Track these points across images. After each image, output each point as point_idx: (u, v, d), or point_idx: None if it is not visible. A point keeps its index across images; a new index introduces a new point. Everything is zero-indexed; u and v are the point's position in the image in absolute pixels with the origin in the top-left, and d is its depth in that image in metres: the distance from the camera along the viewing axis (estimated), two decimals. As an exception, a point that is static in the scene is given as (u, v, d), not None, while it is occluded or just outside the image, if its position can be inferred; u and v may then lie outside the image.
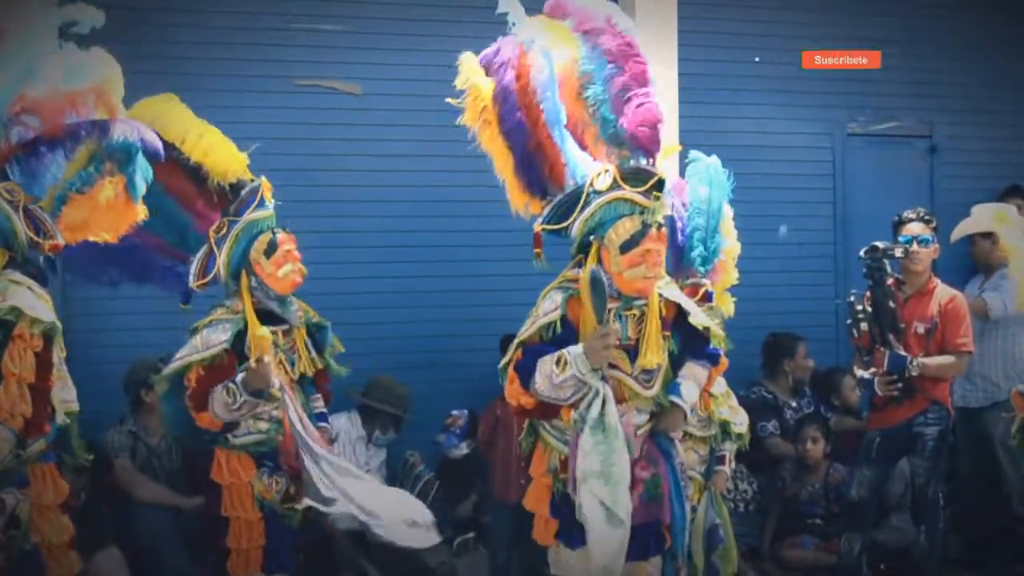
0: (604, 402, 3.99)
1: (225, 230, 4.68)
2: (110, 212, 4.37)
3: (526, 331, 4.15)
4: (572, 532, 4.14)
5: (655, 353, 4.16)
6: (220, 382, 4.49)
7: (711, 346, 4.34)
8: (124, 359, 5.99)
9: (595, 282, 4.01)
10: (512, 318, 6.63)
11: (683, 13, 6.78)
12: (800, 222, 7.67)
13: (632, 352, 4.15)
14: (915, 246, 5.79)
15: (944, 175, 8.00)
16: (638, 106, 4.01)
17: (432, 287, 6.93)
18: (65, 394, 4.38)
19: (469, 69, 4.28)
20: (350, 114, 6.86)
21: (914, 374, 5.65)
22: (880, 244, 5.70)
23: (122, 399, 5.93)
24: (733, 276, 5.23)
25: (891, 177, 7.84)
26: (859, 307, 5.71)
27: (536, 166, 4.28)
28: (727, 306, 5.19)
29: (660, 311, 4.19)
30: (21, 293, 4.11)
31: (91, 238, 4.37)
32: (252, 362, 4.48)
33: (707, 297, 4.98)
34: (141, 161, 4.33)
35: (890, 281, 5.71)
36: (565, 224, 4.14)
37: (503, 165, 4.34)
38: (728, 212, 5.16)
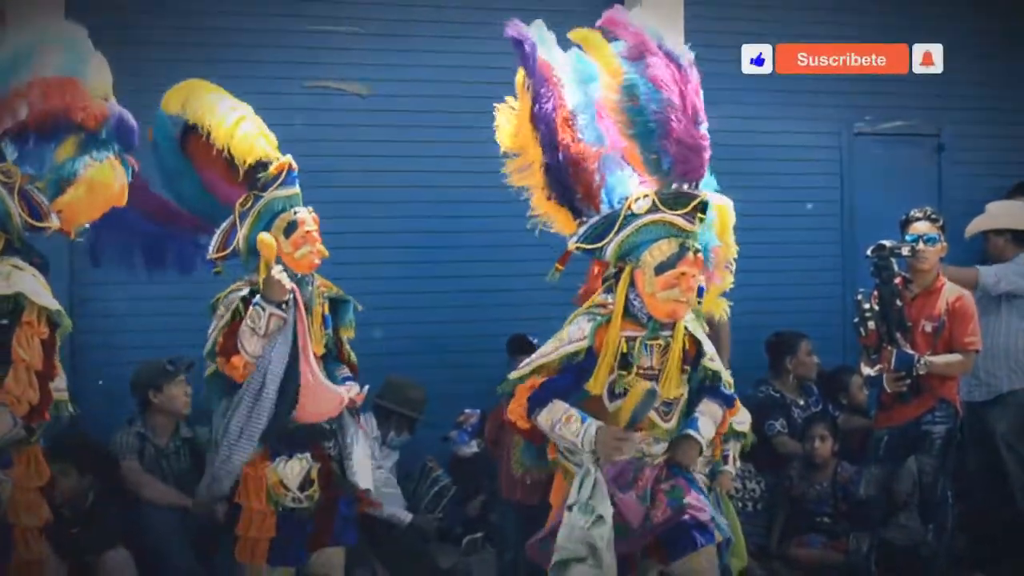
0: (595, 486, 4.01)
1: (249, 205, 4.69)
2: (103, 194, 4.39)
3: (548, 356, 4.16)
4: None
5: (675, 385, 4.20)
6: None
7: (723, 389, 4.38)
8: (132, 361, 6.00)
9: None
10: (520, 318, 6.72)
11: (689, 12, 6.79)
12: (807, 221, 7.67)
13: (653, 381, 4.15)
14: (921, 245, 5.79)
15: (952, 174, 7.99)
16: (683, 133, 3.99)
17: (440, 287, 6.95)
18: (58, 383, 4.36)
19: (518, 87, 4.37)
20: (358, 115, 6.88)
21: (921, 372, 5.65)
22: (887, 243, 5.70)
23: (130, 400, 5.94)
24: (728, 280, 5.17)
25: (898, 176, 7.84)
26: (866, 306, 5.72)
27: (570, 186, 4.30)
28: (718, 309, 5.12)
29: (684, 344, 4.21)
30: (24, 279, 4.13)
31: (86, 223, 4.41)
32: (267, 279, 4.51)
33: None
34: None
35: (897, 280, 5.72)
36: (599, 245, 4.16)
37: (537, 185, 4.42)
38: (723, 214, 5.13)
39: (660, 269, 4.06)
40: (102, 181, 4.35)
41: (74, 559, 5.28)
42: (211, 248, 4.75)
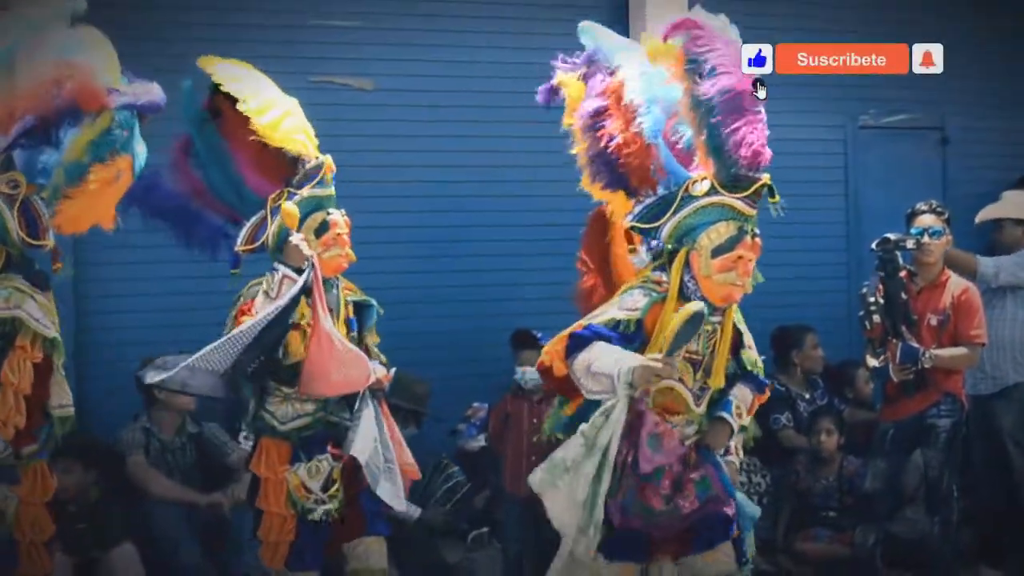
0: (607, 420, 3.86)
1: (283, 200, 4.63)
2: (110, 197, 4.33)
3: (598, 316, 4.07)
4: (615, 546, 4.08)
5: (721, 374, 4.17)
6: None
7: (758, 375, 4.34)
8: (138, 357, 6.00)
9: (695, 317, 3.87)
10: (525, 313, 6.72)
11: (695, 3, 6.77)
12: (812, 215, 7.65)
13: (696, 366, 4.12)
14: (927, 238, 5.78)
15: (956, 167, 7.98)
16: (747, 131, 3.94)
17: (444, 282, 6.95)
18: (61, 399, 4.34)
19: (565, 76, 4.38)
20: (363, 110, 6.88)
21: (927, 366, 5.64)
22: (892, 236, 5.69)
23: (135, 396, 5.95)
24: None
25: (903, 169, 7.83)
26: (871, 299, 5.71)
27: (620, 174, 4.28)
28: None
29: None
30: (25, 303, 4.11)
31: (88, 226, 4.34)
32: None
33: None
34: (138, 133, 4.29)
35: (903, 273, 5.71)
36: (656, 225, 4.11)
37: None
38: None
39: (717, 252, 4.00)
40: (105, 187, 4.27)
41: (80, 555, 5.30)
42: (239, 240, 4.71)
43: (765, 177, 4.04)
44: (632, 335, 4.01)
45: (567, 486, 3.86)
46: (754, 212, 4.05)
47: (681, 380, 4.08)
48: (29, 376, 4.10)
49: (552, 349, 4.11)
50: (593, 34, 4.54)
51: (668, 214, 4.08)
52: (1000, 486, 6.45)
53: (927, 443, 5.80)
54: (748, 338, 4.32)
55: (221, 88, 4.72)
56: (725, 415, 4.22)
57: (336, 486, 4.64)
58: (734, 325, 4.22)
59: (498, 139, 7.14)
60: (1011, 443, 6.36)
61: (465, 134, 7.05)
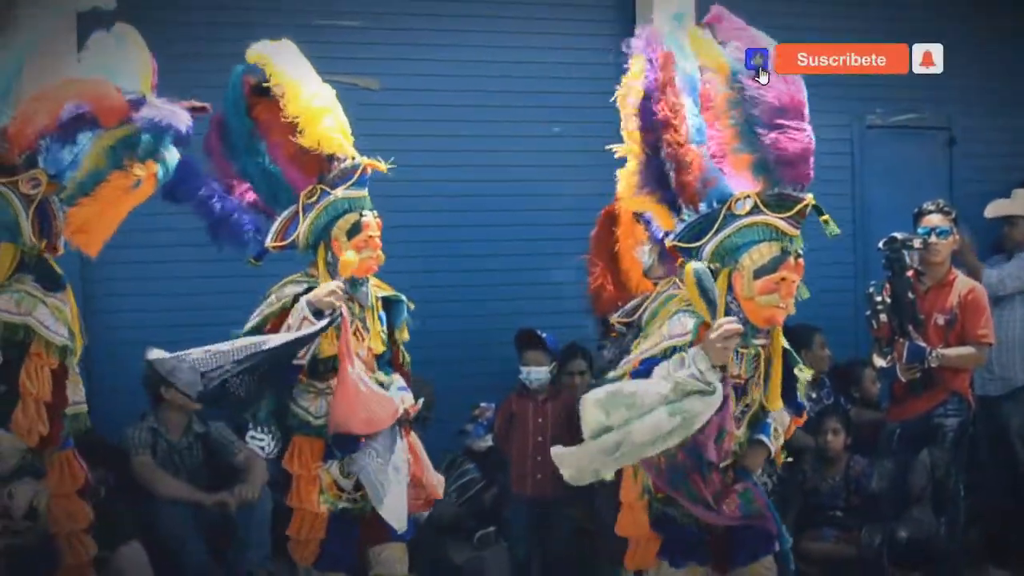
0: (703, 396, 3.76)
1: (315, 198, 4.60)
2: (123, 206, 4.31)
3: (649, 351, 3.97)
4: (677, 549, 4.06)
5: (776, 398, 4.08)
6: None
7: (798, 397, 4.26)
8: (144, 356, 6.00)
9: (701, 277, 3.85)
10: (529, 312, 6.71)
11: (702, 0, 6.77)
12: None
13: (739, 390, 4.02)
14: (934, 237, 5.78)
15: (963, 166, 7.97)
16: (791, 136, 3.87)
17: (449, 282, 6.95)
18: (75, 395, 4.35)
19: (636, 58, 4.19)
20: (369, 109, 6.88)
21: (933, 365, 5.64)
22: (899, 235, 5.69)
23: (142, 396, 5.95)
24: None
25: (910, 169, 7.82)
26: (878, 298, 5.71)
27: (669, 185, 4.14)
28: None
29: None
30: (36, 309, 4.10)
31: (98, 241, 4.33)
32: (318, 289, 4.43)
33: None
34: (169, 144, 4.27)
35: (910, 273, 5.70)
36: (697, 244, 4.00)
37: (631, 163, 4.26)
38: None
39: (759, 273, 3.89)
40: (120, 195, 4.26)
41: (88, 553, 5.31)
42: (270, 236, 4.65)
43: (809, 197, 3.95)
44: None
45: (616, 420, 3.73)
46: (797, 232, 3.96)
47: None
48: (48, 383, 4.09)
49: None
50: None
51: (710, 233, 3.97)
52: (1008, 486, 6.45)
53: (934, 443, 5.79)
54: (796, 358, 4.25)
55: (269, 79, 4.65)
56: (763, 438, 4.17)
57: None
58: (783, 346, 4.13)
59: (504, 139, 7.14)
60: (1020, 444, 6.38)
61: (471, 134, 7.05)
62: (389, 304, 4.84)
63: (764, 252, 3.91)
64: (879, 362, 5.89)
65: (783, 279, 3.90)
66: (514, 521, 6.22)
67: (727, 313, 3.93)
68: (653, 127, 4.06)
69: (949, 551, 5.90)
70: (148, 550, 5.48)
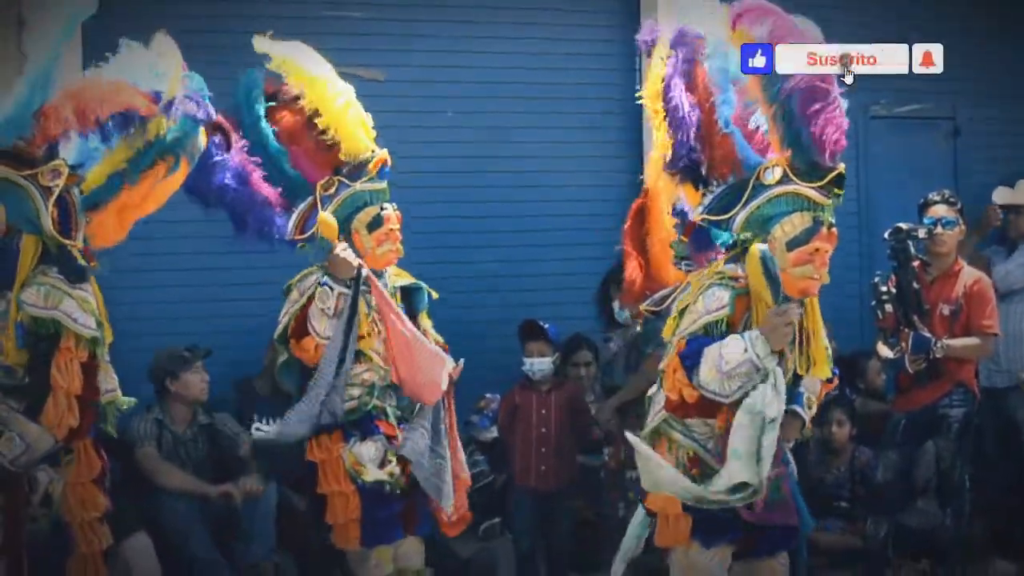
0: (775, 385, 3.78)
1: (334, 190, 4.60)
2: (129, 217, 4.39)
3: (689, 328, 3.94)
4: (710, 529, 4.02)
5: (824, 363, 4.05)
6: None
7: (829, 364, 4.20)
8: (151, 348, 6.01)
9: (766, 258, 3.81)
10: (533, 303, 6.71)
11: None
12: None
13: (779, 361, 3.93)
14: (939, 228, 5.77)
15: (967, 157, 7.95)
16: (826, 121, 3.81)
17: (453, 273, 6.93)
18: (107, 383, 4.37)
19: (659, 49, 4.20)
20: (374, 101, 6.87)
21: (938, 356, 5.63)
22: (904, 225, 5.68)
23: (147, 387, 5.95)
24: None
25: (914, 159, 7.80)
26: (883, 289, 5.69)
27: (698, 161, 4.13)
28: None
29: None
30: (63, 302, 4.11)
31: (112, 244, 4.40)
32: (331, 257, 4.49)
33: None
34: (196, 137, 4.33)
35: (915, 263, 5.69)
36: (726, 217, 3.95)
37: (661, 145, 4.22)
38: None
39: (792, 244, 3.83)
40: (143, 199, 4.34)
41: (95, 545, 5.31)
42: (289, 229, 4.67)
43: (841, 167, 3.89)
44: (724, 334, 3.90)
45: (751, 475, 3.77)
46: (830, 202, 3.88)
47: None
48: (78, 376, 4.11)
49: (672, 383, 3.96)
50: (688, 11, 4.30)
51: (740, 204, 3.92)
52: (1014, 479, 6.44)
53: (939, 434, 5.79)
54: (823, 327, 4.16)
55: (287, 78, 4.68)
56: (797, 408, 4.13)
57: (393, 465, 4.62)
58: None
59: (510, 130, 7.13)
60: (1026, 435, 6.36)
61: (476, 125, 7.04)
62: (408, 293, 4.83)
63: (796, 223, 3.85)
64: (885, 353, 5.89)
65: (816, 250, 3.83)
66: (518, 513, 6.22)
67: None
68: (680, 110, 4.05)
69: (954, 542, 5.90)
70: (154, 541, 5.48)
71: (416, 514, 4.80)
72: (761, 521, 4.02)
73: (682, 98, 4.09)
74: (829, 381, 4.28)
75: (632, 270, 4.80)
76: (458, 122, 7.05)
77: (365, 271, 4.57)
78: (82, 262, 4.22)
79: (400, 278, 4.83)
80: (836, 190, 3.87)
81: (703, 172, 4.17)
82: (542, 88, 7.19)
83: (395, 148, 6.82)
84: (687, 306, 4.04)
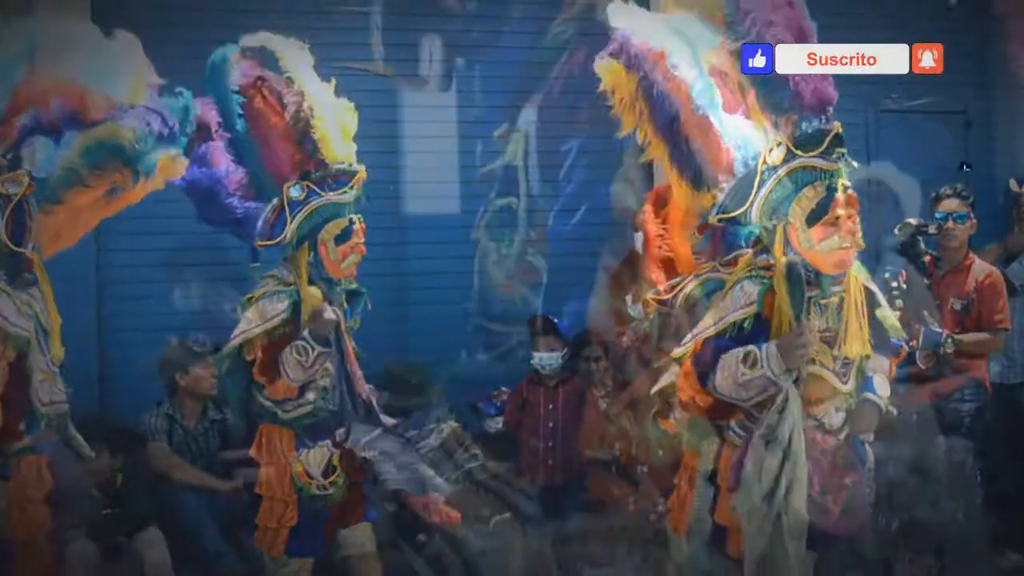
0: (785, 407, 3.60)
1: (303, 197, 4.50)
2: (97, 211, 4.32)
3: (711, 326, 3.76)
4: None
5: (856, 341, 3.77)
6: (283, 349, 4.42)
7: (891, 337, 3.99)
8: (159, 342, 6.02)
9: (792, 272, 3.64)
10: (542, 298, 6.70)
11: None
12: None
13: (831, 343, 3.74)
14: (950, 222, 5.75)
15: (978, 151, 7.93)
16: (801, 78, 3.64)
17: (460, 268, 6.95)
18: (53, 395, 4.19)
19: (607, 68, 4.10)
20: (383, 95, 6.88)
21: (949, 351, 5.61)
22: (913, 220, 5.67)
23: (157, 383, 5.97)
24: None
25: (925, 153, 7.78)
26: (893, 284, 5.68)
27: (694, 156, 3.98)
28: None
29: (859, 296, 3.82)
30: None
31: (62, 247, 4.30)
32: (313, 315, 4.43)
33: None
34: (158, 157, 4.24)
35: (926, 258, 5.68)
36: (742, 210, 3.74)
37: (661, 157, 4.13)
38: None
39: (812, 219, 3.65)
40: (94, 200, 4.25)
41: (106, 540, 5.32)
42: (257, 235, 4.54)
43: (836, 125, 3.69)
44: (753, 331, 3.71)
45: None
46: (838, 166, 3.68)
47: (821, 363, 3.74)
48: (4, 376, 4.01)
49: (685, 384, 3.82)
50: (624, 15, 4.12)
51: (752, 194, 3.73)
52: (1024, 472, 6.43)
53: (951, 428, 5.77)
54: (880, 297, 3.98)
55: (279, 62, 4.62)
56: (870, 395, 3.91)
57: (337, 473, 4.60)
58: (863, 285, 3.88)
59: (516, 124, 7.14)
60: (1038, 431, 6.35)
61: (485, 119, 7.04)
62: (350, 295, 4.78)
63: (811, 195, 3.66)
64: (895, 348, 5.87)
65: (838, 217, 3.65)
66: (528, 508, 6.22)
67: None
68: (663, 113, 3.95)
69: (966, 537, 5.88)
70: (166, 536, 5.50)
71: (360, 505, 4.75)
72: (838, 532, 3.85)
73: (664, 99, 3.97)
74: (897, 355, 4.09)
75: (651, 232, 4.73)
76: (469, 117, 7.05)
77: (340, 323, 4.56)
78: (31, 275, 4.14)
79: (346, 281, 4.73)
80: (839, 150, 3.68)
81: (702, 167, 4.00)
82: (548, 82, 7.19)
83: (405, 143, 6.90)
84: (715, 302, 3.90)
